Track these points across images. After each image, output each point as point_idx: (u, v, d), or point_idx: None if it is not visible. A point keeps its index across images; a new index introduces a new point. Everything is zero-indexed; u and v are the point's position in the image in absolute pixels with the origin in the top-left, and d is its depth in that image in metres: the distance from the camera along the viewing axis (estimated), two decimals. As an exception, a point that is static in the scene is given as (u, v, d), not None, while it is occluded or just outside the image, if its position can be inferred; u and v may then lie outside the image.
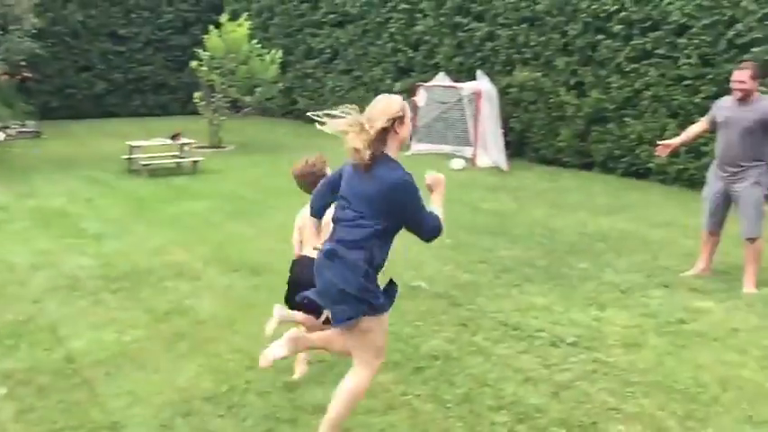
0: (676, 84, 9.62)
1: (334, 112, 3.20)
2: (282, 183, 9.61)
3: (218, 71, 12.70)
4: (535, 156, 11.82)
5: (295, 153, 12.12)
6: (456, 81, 12.35)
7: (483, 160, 11.38)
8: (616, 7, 10.16)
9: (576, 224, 7.58)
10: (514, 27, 11.67)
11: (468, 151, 11.76)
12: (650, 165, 9.93)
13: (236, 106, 13.72)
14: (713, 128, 5.74)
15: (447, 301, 5.21)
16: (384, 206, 3.04)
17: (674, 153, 6.32)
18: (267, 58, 12.90)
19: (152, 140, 11.11)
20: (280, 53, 13.15)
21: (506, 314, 4.93)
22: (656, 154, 6.17)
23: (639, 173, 10.22)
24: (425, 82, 12.63)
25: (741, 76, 5.44)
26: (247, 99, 13.12)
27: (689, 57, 9.40)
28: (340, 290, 3.04)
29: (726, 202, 5.67)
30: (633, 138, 10.19)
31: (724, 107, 5.63)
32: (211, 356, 4.27)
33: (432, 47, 13.24)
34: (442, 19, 12.91)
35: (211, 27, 12.85)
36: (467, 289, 5.47)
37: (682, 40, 9.47)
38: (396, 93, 12.63)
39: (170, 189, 9.32)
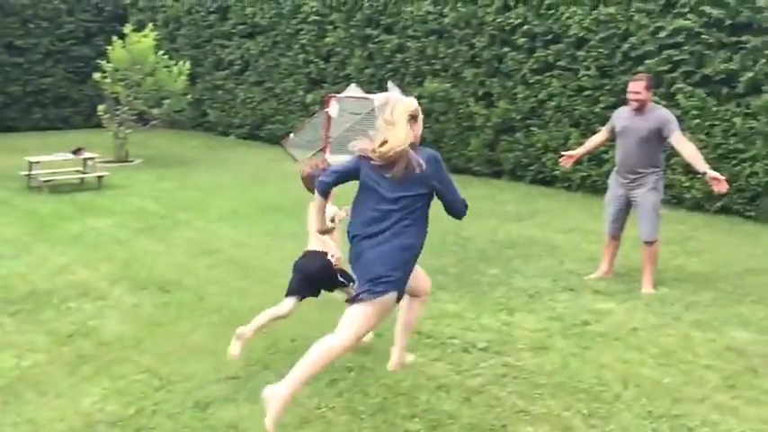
0: (577, 94, 10.04)
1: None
2: (192, 196, 9.44)
3: (123, 83, 12.31)
4: (447, 165, 11.92)
5: (205, 166, 11.98)
6: (368, 92, 12.44)
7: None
8: (520, 21, 10.51)
9: (487, 231, 7.76)
10: (423, 39, 11.88)
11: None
12: (556, 172, 10.29)
13: (142, 119, 13.32)
14: (613, 137, 6.01)
15: (361, 311, 5.21)
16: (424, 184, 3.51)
17: (578, 162, 6.59)
18: (175, 69, 12.61)
19: (53, 155, 10.64)
20: (188, 64, 12.88)
21: (420, 322, 4.98)
22: (561, 164, 6.40)
23: (546, 180, 10.58)
24: (337, 93, 12.67)
25: (636, 87, 5.73)
26: (155, 111, 12.77)
27: (588, 68, 9.83)
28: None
29: (627, 207, 5.94)
30: (539, 146, 10.54)
31: (622, 117, 5.91)
32: (117, 378, 4.11)
33: (343, 58, 13.31)
34: (352, 31, 13.00)
35: (115, 38, 12.45)
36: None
37: (581, 53, 9.89)
38: (308, 104, 12.58)
39: (73, 206, 8.95)
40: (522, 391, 3.96)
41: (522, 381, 4.10)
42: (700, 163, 5.56)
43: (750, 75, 8.33)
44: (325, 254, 4.22)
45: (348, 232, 3.67)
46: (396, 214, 3.51)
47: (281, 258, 6.61)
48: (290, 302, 4.30)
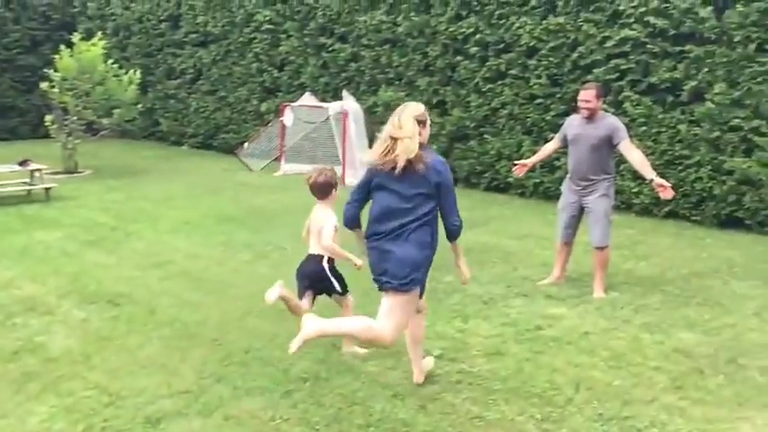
0: (529, 102, 10.19)
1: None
2: (144, 207, 9.28)
3: (71, 93, 12.04)
4: (402, 173, 12.07)
5: (157, 176, 11.80)
6: (322, 101, 12.44)
7: (352, 179, 11.49)
8: (472, 30, 10.63)
9: (442, 239, 7.77)
10: (377, 48, 11.92)
11: (337, 170, 11.82)
12: (510, 179, 10.42)
13: (92, 129, 13.04)
14: (565, 145, 6.12)
15: (316, 321, 5.19)
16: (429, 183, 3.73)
17: (531, 170, 6.69)
18: (125, 78, 12.40)
19: (-1, 167, 10.36)
20: (139, 73, 12.68)
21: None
22: (514, 173, 6.45)
23: (500, 187, 10.71)
24: (292, 102, 12.62)
25: (586, 95, 5.84)
26: (104, 121, 12.51)
27: (539, 77, 9.99)
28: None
29: (579, 213, 6.04)
30: (493, 154, 10.67)
31: (573, 125, 6.02)
32: (65, 396, 4.01)
33: (297, 67, 13.27)
34: (306, 40, 12.98)
35: (63, 46, 12.19)
36: (337, 308, 5.46)
37: (532, 62, 10.05)
38: (262, 113, 12.51)
39: (20, 218, 8.71)
40: (477, 397, 3.99)
41: (476, 387, 4.13)
42: (647, 170, 5.69)
43: (693, 83, 8.58)
44: (321, 257, 4.47)
45: (366, 231, 3.90)
46: (410, 213, 3.75)
47: (234, 269, 6.56)
48: (304, 303, 4.49)
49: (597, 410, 3.84)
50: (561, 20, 9.63)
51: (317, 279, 4.50)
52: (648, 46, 8.90)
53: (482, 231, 8.15)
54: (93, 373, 4.30)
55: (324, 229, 4.40)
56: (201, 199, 9.93)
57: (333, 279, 4.51)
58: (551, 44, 9.77)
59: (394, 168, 3.72)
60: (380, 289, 3.83)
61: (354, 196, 3.98)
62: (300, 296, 4.52)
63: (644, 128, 8.96)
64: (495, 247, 7.41)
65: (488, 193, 10.71)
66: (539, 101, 10.06)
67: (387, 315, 3.77)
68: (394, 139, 3.73)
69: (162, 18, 15.70)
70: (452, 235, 3.94)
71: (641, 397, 4.01)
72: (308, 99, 12.47)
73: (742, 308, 5.56)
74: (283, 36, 13.37)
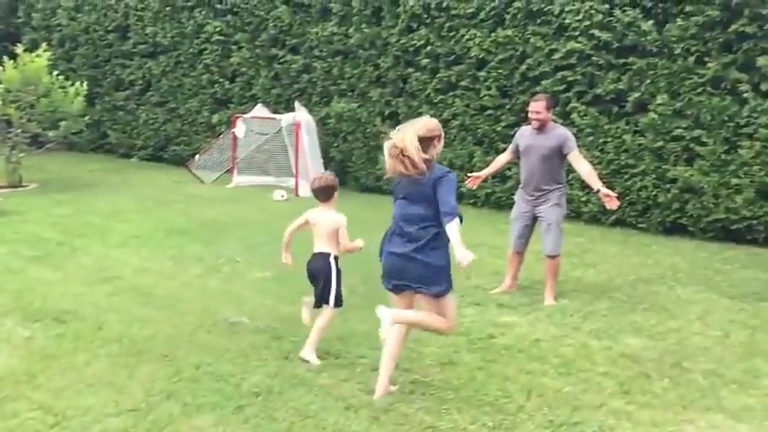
0: (480, 113, 10.34)
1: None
2: (91, 221, 9.07)
3: (15, 105, 11.73)
4: (356, 184, 12.11)
5: (105, 190, 11.55)
6: (274, 112, 12.39)
7: (305, 191, 11.45)
8: (423, 42, 10.74)
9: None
10: (329, 60, 11.95)
11: (290, 182, 11.80)
12: (462, 189, 10.49)
13: (37, 142, 12.71)
14: (517, 156, 6.22)
15: (269, 335, 5.15)
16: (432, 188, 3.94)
17: (483, 181, 6.80)
18: (71, 90, 12.13)
19: (-63, 181, 10.01)
20: (85, 85, 12.42)
21: (328, 343, 4.96)
22: (468, 185, 6.50)
23: (452, 197, 10.79)
24: (244, 113, 12.54)
25: (537, 107, 5.96)
26: (50, 134, 12.21)
27: (489, 88, 10.15)
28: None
29: (532, 223, 6.14)
30: (445, 164, 10.72)
31: (524, 136, 6.12)
32: (9, 417, 3.88)
33: (248, 78, 13.19)
34: (257, 51, 12.92)
35: (6, 58, 11.87)
36: (289, 321, 5.44)
37: (482, 73, 10.20)
38: (214, 125, 12.38)
39: (-40, 234, 8.42)
40: (430, 407, 4.01)
41: (429, 397, 4.15)
42: (594, 180, 5.83)
43: (637, 94, 8.83)
44: (329, 255, 4.81)
45: (388, 234, 4.20)
46: (428, 219, 4.00)
47: (185, 283, 6.47)
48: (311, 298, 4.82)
49: (548, 417, 3.90)
50: (509, 33, 9.81)
51: (322, 276, 4.76)
52: (594, 58, 9.13)
53: (435, 241, 8.20)
54: (38, 392, 4.17)
55: (339, 232, 4.79)
56: (151, 212, 9.77)
57: (333, 280, 4.75)
58: (500, 56, 9.94)
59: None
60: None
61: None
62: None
63: (591, 138, 9.17)
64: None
65: (441, 203, 10.76)
66: (489, 112, 10.21)
67: (448, 313, 4.11)
68: (396, 150, 3.94)
69: (109, 29, 15.42)
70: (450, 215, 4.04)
71: (590, 402, 4.08)
72: (260, 110, 12.40)
73: (686, 312, 5.72)
74: (234, 47, 13.28)
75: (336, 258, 4.82)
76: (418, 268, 3.98)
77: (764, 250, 8.06)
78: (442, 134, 4.14)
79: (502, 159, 6.45)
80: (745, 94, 8.10)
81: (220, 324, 5.32)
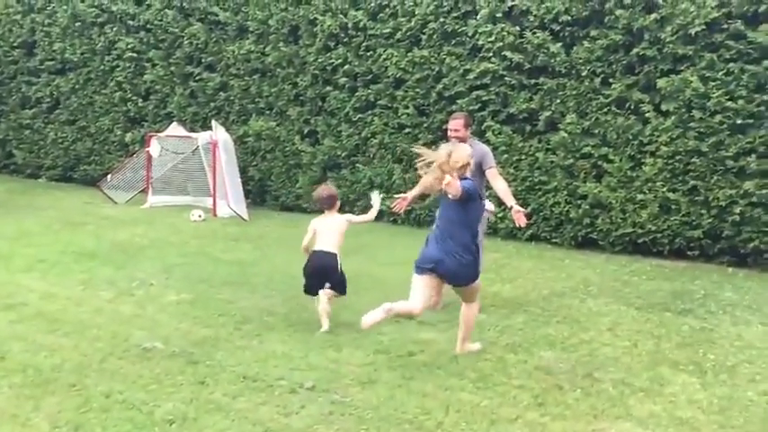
0: (398, 132, 10.46)
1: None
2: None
3: None
4: (276, 203, 12.01)
5: (10, 212, 10.99)
6: (191, 131, 12.16)
7: (223, 210, 11.26)
8: (340, 61, 10.80)
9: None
10: (247, 78, 11.85)
11: (207, 201, 11.57)
12: (382, 207, 10.56)
13: (-65, 162, 12.03)
14: None
15: (184, 359, 5.01)
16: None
17: (410, 204, 6.80)
18: (-27, 107, 11.55)
19: None
20: (-12, 102, 11.86)
21: (246, 366, 4.88)
22: (395, 208, 6.45)
23: (372, 215, 10.85)
24: (158, 132, 12.24)
25: (455, 125, 6.08)
26: (-51, 153, 11.58)
27: (407, 107, 10.29)
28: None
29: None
30: (365, 182, 10.81)
31: None
32: None
33: (163, 96, 12.91)
34: (172, 69, 12.67)
35: None
36: (205, 344, 5.32)
37: (399, 92, 10.34)
38: (127, 144, 12.05)
39: None
40: (349, 428, 3.98)
41: (348, 417, 4.12)
42: (509, 198, 5.99)
43: (548, 113, 9.15)
44: (335, 255, 5.72)
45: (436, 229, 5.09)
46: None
47: (95, 308, 6.23)
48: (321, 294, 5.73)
49: (465, 431, 3.94)
50: (425, 53, 9.99)
51: (331, 271, 5.66)
52: (506, 78, 9.40)
53: (355, 259, 8.16)
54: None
55: (352, 221, 5.96)
56: (60, 235, 9.37)
57: (344, 277, 5.74)
58: (417, 76, 10.11)
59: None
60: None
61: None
62: (315, 291, 5.72)
63: (506, 155, 9.41)
64: (367, 274, 7.47)
65: (361, 221, 10.80)
66: (407, 130, 10.35)
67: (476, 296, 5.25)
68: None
69: (15, 45, 14.80)
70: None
71: (507, 416, 4.15)
72: (175, 129, 12.14)
73: (597, 324, 5.93)
74: (148, 65, 12.98)
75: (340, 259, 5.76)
76: None
77: (669, 262, 8.46)
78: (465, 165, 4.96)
79: (427, 179, 6.48)
80: (647, 114, 8.52)
81: (132, 350, 5.14)
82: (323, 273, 5.66)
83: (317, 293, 5.72)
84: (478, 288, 5.25)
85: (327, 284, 5.67)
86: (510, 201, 5.94)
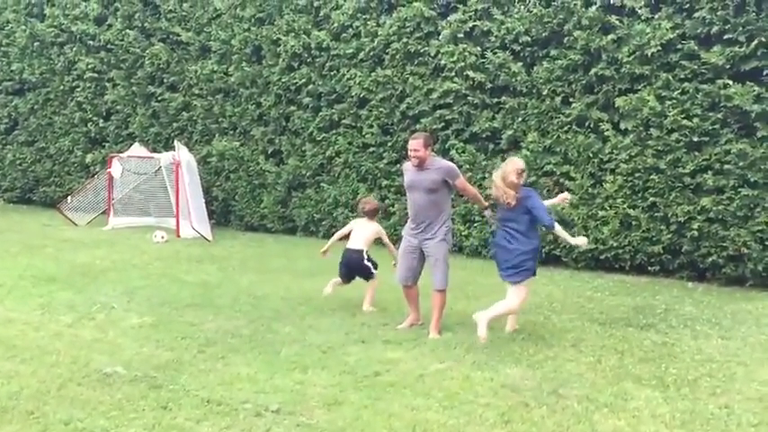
0: (362, 151, 10.49)
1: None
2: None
3: None
4: (240, 223, 11.93)
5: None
6: (153, 151, 12.03)
7: (187, 231, 11.14)
8: (304, 81, 10.83)
9: (281, 289, 7.74)
10: (209, 98, 11.79)
11: (171, 222, 11.44)
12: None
13: None
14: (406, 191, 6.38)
15: (146, 384, 4.91)
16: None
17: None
18: (-74, 128, 11.29)
19: None
20: (-57, 123, 11.60)
21: (210, 389, 4.80)
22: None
23: (338, 234, 10.83)
24: (120, 153, 12.09)
25: (415, 145, 6.11)
26: None
27: (371, 126, 10.34)
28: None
29: (421, 256, 6.24)
30: (330, 201, 10.82)
31: (408, 171, 6.25)
32: None
33: (125, 116, 12.78)
34: (133, 89, 12.56)
35: None
36: (168, 368, 5.22)
37: (363, 112, 10.39)
38: (88, 165, 11.86)
39: None
40: (315, 451, 3.94)
41: (315, 439, 4.08)
42: (481, 200, 6.57)
43: (510, 132, 9.27)
44: (362, 251, 6.83)
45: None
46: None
47: (55, 333, 6.08)
48: (335, 282, 7.12)
49: (432, 452, 3.93)
50: (389, 72, 10.07)
51: (358, 268, 6.87)
52: (469, 98, 9.52)
53: (321, 280, 8.15)
54: None
55: (382, 238, 7.01)
56: (18, 258, 9.16)
57: (370, 266, 6.86)
58: (381, 95, 10.17)
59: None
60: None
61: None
62: (347, 281, 7.06)
63: (469, 174, 9.50)
64: (334, 295, 7.43)
65: (326, 240, 10.75)
66: (371, 149, 10.39)
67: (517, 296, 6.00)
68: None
69: (-29, 64, 14.54)
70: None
71: (473, 434, 4.15)
72: (137, 150, 12.01)
73: (561, 340, 5.97)
74: (109, 84, 12.85)
75: (368, 253, 6.91)
76: None
77: (630, 278, 8.59)
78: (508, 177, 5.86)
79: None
80: (606, 132, 8.69)
81: (93, 375, 5.02)
82: (350, 267, 6.91)
83: (349, 282, 7.06)
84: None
85: (357, 277, 7.00)
86: (482, 203, 6.60)
